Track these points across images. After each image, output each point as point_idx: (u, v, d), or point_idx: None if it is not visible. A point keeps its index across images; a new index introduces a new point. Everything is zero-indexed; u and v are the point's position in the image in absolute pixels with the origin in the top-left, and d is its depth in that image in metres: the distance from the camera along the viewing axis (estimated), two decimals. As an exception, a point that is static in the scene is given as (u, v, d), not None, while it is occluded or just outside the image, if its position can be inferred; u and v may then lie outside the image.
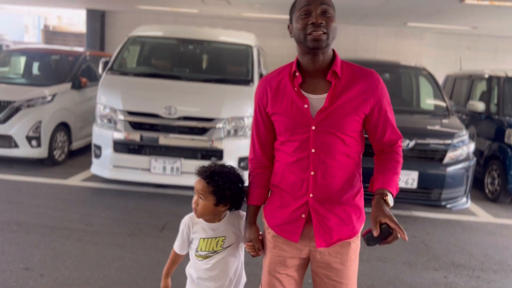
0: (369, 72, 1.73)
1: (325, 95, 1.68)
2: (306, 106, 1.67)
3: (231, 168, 1.94)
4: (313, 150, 1.69)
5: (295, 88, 1.69)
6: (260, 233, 1.92)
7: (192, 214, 1.95)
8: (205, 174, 1.86)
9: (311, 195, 1.71)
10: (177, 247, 2.00)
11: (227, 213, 1.96)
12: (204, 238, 1.92)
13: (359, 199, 1.79)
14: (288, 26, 1.75)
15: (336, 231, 1.73)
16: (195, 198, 1.89)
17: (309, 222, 1.75)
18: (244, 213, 1.95)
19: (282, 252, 1.82)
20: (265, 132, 1.83)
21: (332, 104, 1.66)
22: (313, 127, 1.67)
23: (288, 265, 1.83)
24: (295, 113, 1.69)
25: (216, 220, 1.93)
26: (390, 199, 1.64)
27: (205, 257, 1.92)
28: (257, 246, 1.88)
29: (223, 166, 1.93)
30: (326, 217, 1.72)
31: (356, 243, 1.81)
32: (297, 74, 1.70)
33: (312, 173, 1.70)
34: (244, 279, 2.09)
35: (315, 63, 1.69)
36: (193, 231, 1.94)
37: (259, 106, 1.81)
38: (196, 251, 1.94)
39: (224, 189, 1.84)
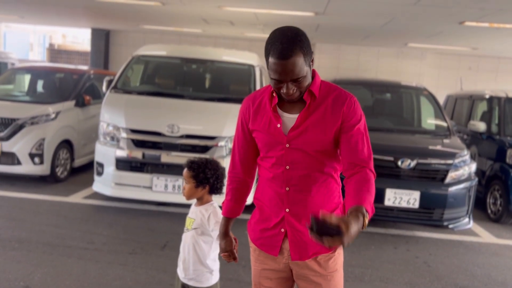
0: (345, 94, 1.75)
1: (297, 114, 1.73)
2: (279, 125, 1.74)
3: (211, 159, 2.41)
4: (287, 167, 1.75)
5: (272, 108, 1.76)
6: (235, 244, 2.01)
7: None
8: (187, 163, 2.35)
9: (287, 210, 1.77)
10: None
11: (210, 203, 2.34)
12: (188, 215, 2.39)
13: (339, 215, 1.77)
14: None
15: (312, 245, 1.75)
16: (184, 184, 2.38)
17: (287, 236, 1.79)
18: (219, 208, 2.21)
19: (264, 265, 1.87)
20: (245, 147, 1.89)
21: (302, 123, 1.71)
22: (287, 145, 1.73)
23: (271, 278, 1.87)
24: (271, 131, 1.75)
25: (198, 204, 2.36)
26: (366, 221, 1.50)
27: (185, 231, 2.37)
28: (233, 256, 1.99)
29: (204, 158, 2.41)
30: (302, 232, 1.75)
31: (336, 256, 1.81)
32: (274, 95, 1.76)
33: (287, 188, 1.76)
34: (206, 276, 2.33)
35: None
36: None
37: (242, 122, 1.87)
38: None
39: (199, 172, 2.30)
